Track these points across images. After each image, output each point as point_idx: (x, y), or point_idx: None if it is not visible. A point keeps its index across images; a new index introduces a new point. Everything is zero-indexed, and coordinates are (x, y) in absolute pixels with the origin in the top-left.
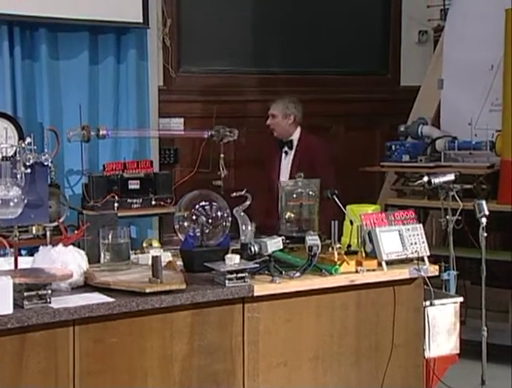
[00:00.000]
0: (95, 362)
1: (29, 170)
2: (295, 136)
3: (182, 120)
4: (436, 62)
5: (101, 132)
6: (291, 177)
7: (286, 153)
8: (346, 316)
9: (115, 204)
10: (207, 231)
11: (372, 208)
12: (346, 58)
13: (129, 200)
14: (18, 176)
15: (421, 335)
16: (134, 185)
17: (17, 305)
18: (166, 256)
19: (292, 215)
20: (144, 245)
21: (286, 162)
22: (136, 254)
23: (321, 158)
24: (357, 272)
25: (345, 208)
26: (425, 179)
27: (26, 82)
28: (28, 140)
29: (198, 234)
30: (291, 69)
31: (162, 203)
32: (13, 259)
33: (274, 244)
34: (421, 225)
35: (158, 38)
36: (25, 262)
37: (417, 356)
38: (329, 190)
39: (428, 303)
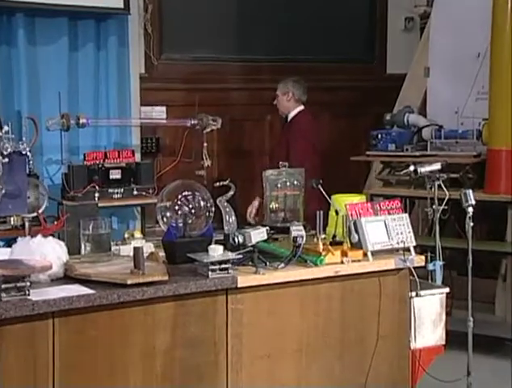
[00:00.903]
0: (75, 355)
1: (7, 160)
2: (292, 113)
3: (164, 108)
4: (422, 50)
5: (81, 121)
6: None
7: (283, 127)
8: (330, 307)
9: (96, 195)
10: (189, 222)
11: (358, 198)
12: (331, 45)
13: (110, 190)
14: None
15: (407, 326)
16: (115, 175)
17: None
18: (148, 247)
19: (277, 205)
20: (126, 236)
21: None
22: (117, 245)
23: (296, 131)
24: (342, 262)
25: (330, 198)
26: (412, 168)
27: (3, 68)
28: (6, 128)
29: (180, 225)
30: (276, 57)
31: (144, 193)
32: None
33: (258, 234)
34: (407, 214)
35: (140, 24)
36: (3, 253)
37: (402, 348)
38: (314, 179)
39: (414, 294)
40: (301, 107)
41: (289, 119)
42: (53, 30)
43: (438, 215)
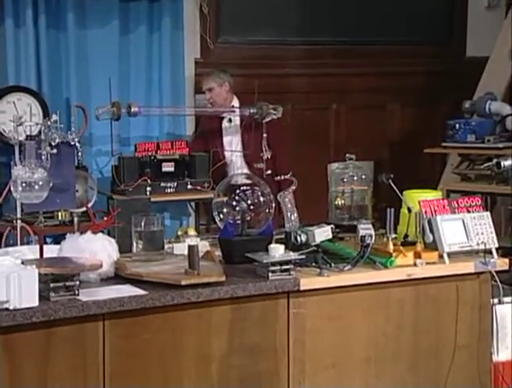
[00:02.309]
0: (126, 360)
1: (55, 151)
2: (235, 104)
3: None
4: (508, 29)
5: (132, 110)
6: (244, 148)
7: (230, 120)
8: (402, 314)
9: (148, 189)
10: (248, 218)
11: (433, 194)
12: (402, 26)
13: (163, 184)
14: (43, 157)
15: (489, 337)
16: (168, 167)
17: (43, 297)
18: (204, 246)
19: (342, 201)
20: (179, 233)
21: (232, 133)
22: (170, 243)
23: (276, 129)
24: (415, 265)
25: (402, 194)
26: (494, 161)
27: (51, 54)
28: (54, 117)
29: (238, 222)
30: (341, 39)
31: (199, 187)
32: (38, 247)
33: (322, 233)
34: (488, 213)
35: (195, 5)
36: (51, 250)
37: (483, 360)
38: (385, 174)
39: (496, 301)
40: (235, 98)
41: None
42: (103, 12)
43: None
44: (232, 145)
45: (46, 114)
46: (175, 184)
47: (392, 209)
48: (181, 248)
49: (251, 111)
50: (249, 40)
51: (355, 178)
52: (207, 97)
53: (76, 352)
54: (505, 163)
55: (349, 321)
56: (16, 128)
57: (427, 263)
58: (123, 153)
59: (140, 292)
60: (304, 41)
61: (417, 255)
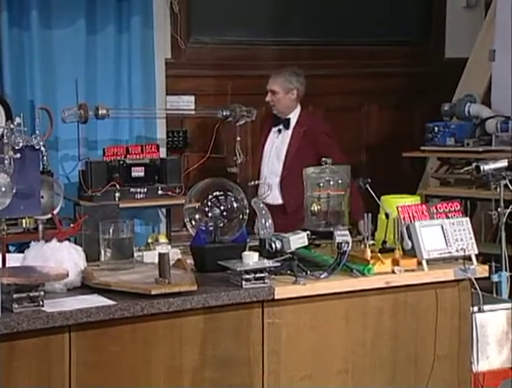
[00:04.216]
0: (94, 373)
1: (18, 155)
2: (295, 114)
3: (192, 97)
4: (487, 30)
5: (100, 112)
6: (286, 162)
7: (280, 131)
8: (380, 323)
9: (117, 194)
10: (221, 225)
11: (411, 200)
12: (379, 26)
13: (132, 190)
14: (6, 162)
15: (469, 346)
16: (138, 172)
17: (5, 308)
18: (175, 253)
19: (318, 207)
20: (150, 241)
21: (279, 143)
22: (140, 251)
23: (330, 142)
24: (393, 272)
25: (379, 200)
26: (474, 165)
27: (14, 54)
28: (17, 120)
29: (211, 229)
30: (316, 40)
31: (170, 193)
32: (0, 256)
33: (297, 240)
34: (467, 218)
35: (166, 3)
36: (14, 259)
37: (463, 370)
38: (362, 178)
39: (476, 309)
40: (299, 106)
41: (292, 123)
42: (69, 10)
43: (505, 219)
44: (270, 162)
45: (9, 117)
46: (145, 190)
47: (370, 215)
48: (151, 256)
49: (224, 113)
50: (222, 40)
51: (332, 182)
52: (268, 99)
53: (40, 366)
54: (485, 167)
55: (326, 330)
56: None
57: (406, 271)
58: (90, 158)
59: (109, 302)
60: (279, 41)
61: (396, 263)
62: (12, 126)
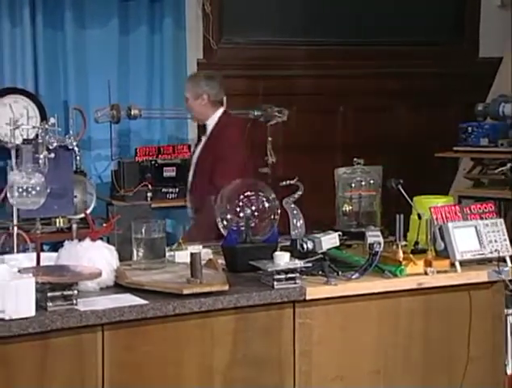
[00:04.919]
0: (126, 372)
1: (52, 155)
2: (212, 120)
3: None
4: None
5: (132, 112)
6: (195, 170)
7: (199, 138)
8: (412, 324)
9: (149, 194)
10: (252, 225)
11: (444, 200)
12: (412, 26)
13: (164, 190)
14: (41, 161)
15: (502, 348)
16: (169, 172)
17: (39, 306)
18: (206, 254)
19: (350, 207)
20: (181, 241)
21: (197, 151)
22: (171, 251)
23: (228, 141)
24: (426, 273)
25: (411, 200)
26: (508, 165)
27: (48, 54)
28: (52, 120)
29: (242, 229)
30: (347, 40)
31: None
32: (35, 255)
33: (329, 241)
34: (501, 219)
35: (197, 4)
36: (48, 258)
37: (496, 373)
38: (394, 179)
39: (510, 311)
40: (220, 111)
41: (209, 129)
42: (103, 11)
43: None
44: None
45: (43, 117)
46: (177, 190)
47: (402, 216)
48: (183, 256)
49: (255, 113)
50: (254, 41)
51: (363, 183)
52: (186, 106)
53: (74, 364)
54: None
55: (357, 331)
56: (13, 132)
57: (438, 272)
58: (122, 158)
59: (141, 301)
60: (310, 41)
61: (428, 264)
62: (46, 126)
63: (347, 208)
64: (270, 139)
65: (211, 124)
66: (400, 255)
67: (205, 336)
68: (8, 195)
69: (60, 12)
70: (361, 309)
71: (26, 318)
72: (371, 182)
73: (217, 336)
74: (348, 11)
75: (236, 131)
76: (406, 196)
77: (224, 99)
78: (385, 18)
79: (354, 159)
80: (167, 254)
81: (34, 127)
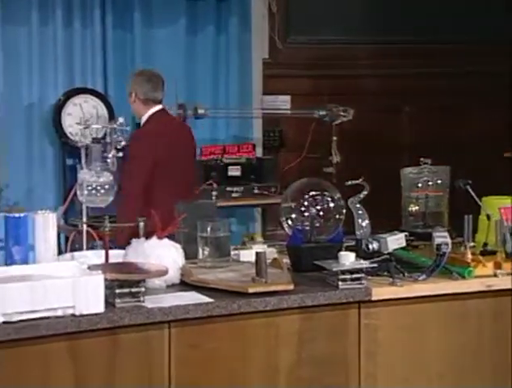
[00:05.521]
0: (191, 369)
1: (121, 154)
2: (144, 119)
3: (288, 97)
4: None
5: (199, 111)
6: None
7: None
8: (481, 327)
9: (214, 193)
10: (317, 225)
11: None
12: (479, 24)
13: (229, 189)
14: (109, 160)
15: None
16: (234, 171)
17: (108, 303)
18: (271, 253)
19: (416, 208)
20: (245, 239)
21: None
22: (236, 249)
23: (129, 152)
24: (495, 275)
25: (480, 201)
26: None
27: (117, 54)
28: (120, 120)
29: (307, 228)
30: (412, 38)
31: (266, 192)
32: (103, 252)
33: (395, 241)
34: None
35: (263, 4)
36: (116, 256)
37: None
38: (462, 179)
39: None
40: (154, 109)
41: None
42: (170, 11)
43: None
44: None
45: (112, 116)
46: (241, 189)
47: (470, 216)
48: (247, 255)
49: (320, 113)
50: (318, 40)
51: (430, 183)
52: None
53: (141, 360)
54: None
55: (423, 333)
56: (83, 131)
57: (508, 274)
58: None
59: (206, 299)
60: (377, 40)
61: (498, 266)
62: (115, 126)
63: (413, 209)
64: (334, 138)
65: (142, 122)
66: (469, 256)
67: (270, 335)
68: (78, 193)
69: (129, 13)
70: (428, 311)
71: (95, 314)
72: (439, 182)
73: (282, 336)
74: (413, 9)
75: (135, 143)
76: (475, 197)
77: (160, 97)
78: (451, 16)
79: (421, 159)
80: (232, 252)
81: (103, 126)
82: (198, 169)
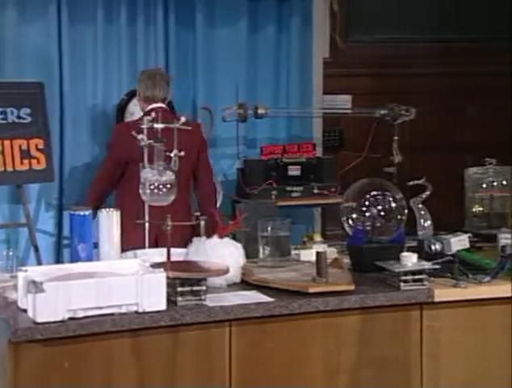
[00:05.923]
0: (252, 368)
1: (183, 153)
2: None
3: (349, 97)
4: None
5: (259, 111)
6: None
7: None
8: None
9: (273, 193)
10: (378, 225)
11: None
12: None
13: (288, 188)
14: (171, 160)
15: None
16: (294, 171)
17: (169, 301)
18: (331, 252)
19: (481, 208)
20: (305, 239)
21: None
22: (296, 249)
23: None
24: None
25: None
26: None
27: (180, 54)
28: (183, 119)
29: (368, 229)
30: (474, 36)
31: (326, 192)
32: (165, 250)
33: (458, 242)
34: None
35: (325, 3)
36: (177, 254)
37: None
38: None
39: None
40: (152, 107)
41: None
42: (232, 11)
43: None
44: None
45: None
46: (301, 188)
47: None
48: (308, 255)
49: (382, 112)
50: (380, 39)
51: (495, 183)
52: None
53: (202, 358)
54: None
55: (487, 336)
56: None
57: None
58: (248, 156)
59: (267, 298)
60: (441, 38)
61: None
62: (177, 125)
63: (477, 210)
64: (396, 138)
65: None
66: None
67: (330, 335)
68: (140, 191)
69: (191, 12)
70: (492, 313)
71: (157, 312)
72: (504, 182)
73: (343, 336)
74: (475, 8)
75: (114, 133)
76: None
77: (161, 95)
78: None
79: (486, 159)
80: (292, 252)
81: (165, 126)
82: (259, 168)
